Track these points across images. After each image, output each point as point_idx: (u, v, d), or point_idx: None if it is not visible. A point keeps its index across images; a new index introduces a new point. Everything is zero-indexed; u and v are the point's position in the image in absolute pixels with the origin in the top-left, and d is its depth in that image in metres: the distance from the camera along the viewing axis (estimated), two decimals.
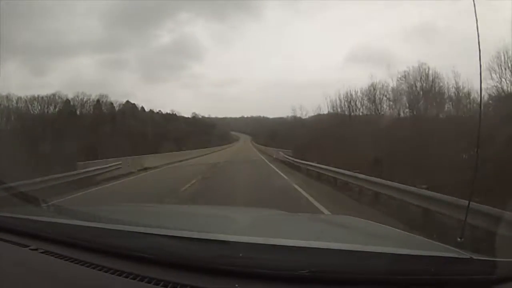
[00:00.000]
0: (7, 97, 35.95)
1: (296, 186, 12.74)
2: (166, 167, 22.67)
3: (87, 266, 1.19)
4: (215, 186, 12.90)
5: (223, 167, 22.24)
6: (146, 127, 50.48)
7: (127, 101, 58.17)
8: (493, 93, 18.14)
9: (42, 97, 44.54)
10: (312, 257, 1.09)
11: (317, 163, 15.72)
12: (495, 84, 18.47)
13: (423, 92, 24.28)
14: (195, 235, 1.25)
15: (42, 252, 1.33)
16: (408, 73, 25.08)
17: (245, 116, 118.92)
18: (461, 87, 21.76)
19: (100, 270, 1.15)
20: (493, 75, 18.92)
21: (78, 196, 10.22)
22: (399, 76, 25.71)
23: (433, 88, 23.64)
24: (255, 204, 7.80)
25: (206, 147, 49.10)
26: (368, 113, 29.88)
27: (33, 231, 1.52)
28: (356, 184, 10.27)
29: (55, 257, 1.29)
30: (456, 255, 1.13)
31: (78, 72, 65.32)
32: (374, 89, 30.32)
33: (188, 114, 71.50)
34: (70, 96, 47.99)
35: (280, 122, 59.31)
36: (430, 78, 23.94)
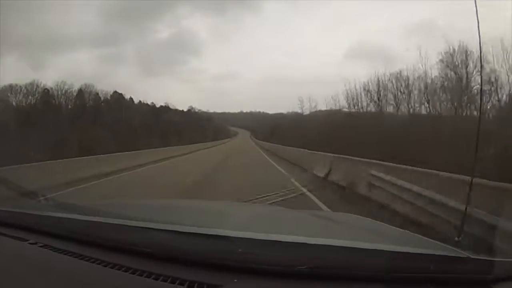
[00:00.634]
0: None
1: None
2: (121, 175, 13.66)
3: (86, 260, 1.16)
4: None
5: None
6: (131, 120, 45.66)
7: (115, 92, 53.15)
8: None
9: (20, 87, 40.10)
10: (310, 253, 1.07)
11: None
12: None
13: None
14: (194, 229, 1.21)
15: (41, 246, 1.29)
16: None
17: (244, 111, 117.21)
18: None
19: (99, 264, 1.12)
20: None
21: None
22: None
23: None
24: None
25: (201, 142, 44.03)
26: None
27: (32, 225, 1.47)
28: None
29: (54, 251, 1.25)
30: (453, 254, 1.14)
31: (73, 65, 64.54)
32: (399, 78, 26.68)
33: (184, 108, 67.88)
34: (50, 85, 43.20)
35: (281, 117, 57.06)
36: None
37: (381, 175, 6.75)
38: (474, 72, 20.87)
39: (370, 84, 30.39)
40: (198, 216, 2.03)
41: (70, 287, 1.06)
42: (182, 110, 65.63)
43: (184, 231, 1.21)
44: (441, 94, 22.61)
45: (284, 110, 63.57)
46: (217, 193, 8.52)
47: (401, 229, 1.73)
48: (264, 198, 6.56)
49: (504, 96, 17.81)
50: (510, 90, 17.66)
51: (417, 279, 1.03)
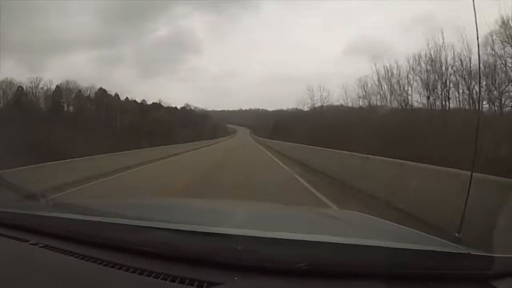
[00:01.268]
0: None
1: None
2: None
3: (87, 260, 1.16)
4: None
5: None
6: (113, 119, 40.33)
7: (100, 88, 47.62)
8: None
9: None
10: (311, 250, 1.08)
11: None
12: None
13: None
14: (194, 228, 1.21)
15: (41, 247, 1.29)
16: None
17: (243, 109, 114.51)
18: None
19: (100, 263, 1.13)
20: None
21: None
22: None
23: None
24: None
25: (193, 141, 37.55)
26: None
27: (32, 225, 1.47)
28: None
29: (55, 251, 1.25)
30: (453, 250, 1.13)
31: (69, 65, 60.23)
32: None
33: (180, 106, 63.12)
34: (25, 82, 37.77)
35: (285, 114, 53.45)
36: None
37: None
38: None
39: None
40: (198, 215, 2.00)
41: (70, 286, 1.05)
42: (175, 108, 60.24)
43: (184, 229, 1.20)
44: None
45: (284, 107, 62.02)
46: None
47: (401, 226, 1.67)
48: None
49: None
50: None
51: (417, 276, 1.03)
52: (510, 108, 18.49)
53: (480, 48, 19.65)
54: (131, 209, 1.90)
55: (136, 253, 1.17)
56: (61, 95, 41.10)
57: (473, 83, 21.21)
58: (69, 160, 11.93)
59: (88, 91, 44.78)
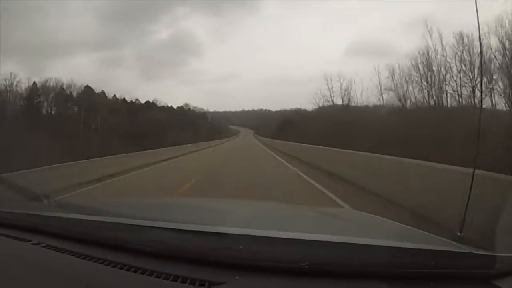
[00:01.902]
0: None
1: None
2: None
3: (89, 260, 1.17)
4: None
5: None
6: (94, 119, 35.39)
7: (87, 86, 42.65)
8: None
9: None
10: (312, 250, 1.08)
11: None
12: None
13: None
14: (195, 227, 1.21)
15: (43, 247, 1.29)
16: None
17: (246, 109, 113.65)
18: None
19: (101, 263, 1.13)
20: None
21: None
22: None
23: None
24: None
25: (188, 144, 31.95)
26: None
27: (34, 225, 1.46)
28: None
29: (57, 251, 1.25)
30: (455, 249, 1.13)
31: (68, 67, 59.45)
32: None
33: (178, 105, 59.02)
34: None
35: (287, 114, 51.69)
36: None
37: None
38: None
39: None
40: (199, 214, 1.98)
41: (72, 286, 1.06)
42: (171, 107, 55.16)
43: (185, 229, 1.20)
44: None
45: (287, 107, 60.29)
46: None
47: (403, 224, 1.65)
48: None
49: None
50: None
51: (419, 275, 1.03)
52: None
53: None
54: (133, 209, 1.91)
55: (138, 253, 1.16)
56: (38, 94, 36.36)
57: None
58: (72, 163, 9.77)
59: (71, 89, 40.07)
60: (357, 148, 12.19)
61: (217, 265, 1.06)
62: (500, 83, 19.10)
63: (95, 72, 67.49)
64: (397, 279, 1.01)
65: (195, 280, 0.99)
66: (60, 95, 38.42)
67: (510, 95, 18.34)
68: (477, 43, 19.06)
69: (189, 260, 1.09)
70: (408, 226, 1.59)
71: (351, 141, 17.81)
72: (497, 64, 19.08)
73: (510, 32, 18.45)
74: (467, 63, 21.93)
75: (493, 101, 19.66)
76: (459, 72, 22.39)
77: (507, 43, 18.80)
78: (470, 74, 21.58)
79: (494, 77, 19.21)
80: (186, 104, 63.10)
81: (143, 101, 49.91)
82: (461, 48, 22.42)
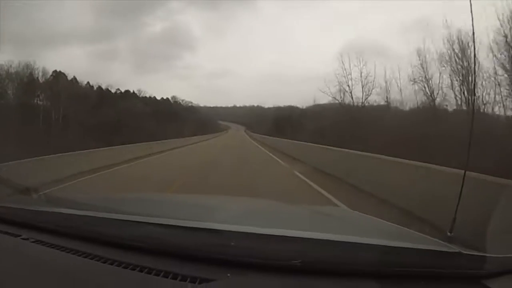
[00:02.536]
0: None
1: None
2: None
3: (79, 255, 1.16)
4: None
5: None
6: (53, 108, 29.90)
7: (56, 71, 36.98)
8: None
9: None
10: (304, 248, 1.08)
11: None
12: None
13: None
14: (187, 223, 1.21)
15: (33, 242, 1.28)
16: None
17: (238, 105, 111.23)
18: None
19: (92, 259, 1.13)
20: None
21: None
22: None
23: None
24: None
25: (166, 140, 26.74)
26: None
27: (24, 220, 1.45)
28: None
29: (47, 246, 1.24)
30: (445, 249, 1.13)
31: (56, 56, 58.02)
32: None
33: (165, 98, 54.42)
34: None
35: (284, 110, 48.91)
36: None
37: None
38: None
39: None
40: (191, 210, 1.96)
41: (63, 282, 1.05)
42: (153, 98, 49.68)
43: (177, 225, 1.19)
44: None
45: (280, 104, 60.18)
46: None
47: (394, 224, 1.66)
48: None
49: None
50: None
51: (409, 274, 1.03)
52: None
53: None
54: (124, 204, 1.89)
55: (129, 248, 1.15)
56: None
57: None
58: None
59: (40, 75, 34.42)
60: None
61: (209, 261, 1.05)
62: None
63: (84, 64, 66.03)
64: (388, 277, 1.01)
65: (186, 277, 0.99)
66: (23, 82, 32.75)
67: None
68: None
69: (181, 256, 1.08)
70: (400, 226, 1.59)
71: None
72: None
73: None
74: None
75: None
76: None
77: None
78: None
79: None
80: (173, 97, 58.10)
81: (124, 91, 44.45)
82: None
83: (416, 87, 23.20)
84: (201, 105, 76.60)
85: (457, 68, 20.81)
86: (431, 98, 21.87)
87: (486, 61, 17.95)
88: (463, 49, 20.80)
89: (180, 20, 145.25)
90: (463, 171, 2.20)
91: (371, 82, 27.04)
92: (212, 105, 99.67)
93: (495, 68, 17.75)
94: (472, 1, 1.93)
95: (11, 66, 31.76)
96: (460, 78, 20.78)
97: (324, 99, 32.29)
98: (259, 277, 1.01)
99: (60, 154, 11.12)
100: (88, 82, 41.01)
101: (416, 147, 12.25)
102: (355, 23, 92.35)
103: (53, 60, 71.51)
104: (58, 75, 37.15)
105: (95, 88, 41.27)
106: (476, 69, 18.94)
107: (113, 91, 43.09)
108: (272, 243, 1.08)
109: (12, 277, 1.05)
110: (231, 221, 1.51)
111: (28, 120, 24.83)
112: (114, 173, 11.20)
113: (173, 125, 40.30)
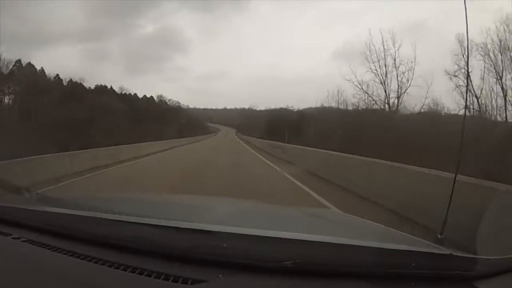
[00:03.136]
0: None
1: None
2: None
3: (71, 255, 1.16)
4: None
5: None
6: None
7: (19, 60, 32.03)
8: None
9: None
10: (296, 249, 1.07)
11: None
12: None
13: None
14: (179, 224, 1.20)
15: (24, 241, 1.27)
16: None
17: (228, 107, 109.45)
18: None
19: (83, 259, 1.12)
20: None
21: None
22: None
23: None
24: None
25: (140, 142, 21.40)
26: None
27: (16, 219, 1.44)
28: None
29: (38, 245, 1.24)
30: (436, 251, 1.14)
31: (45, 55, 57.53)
32: None
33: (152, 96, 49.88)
34: None
35: (281, 113, 45.05)
36: None
37: None
38: None
39: None
40: (183, 211, 1.94)
41: (53, 282, 1.04)
42: (134, 96, 44.67)
43: (169, 225, 1.19)
44: None
45: (272, 106, 58.31)
46: None
47: (385, 226, 1.67)
48: None
49: None
50: None
51: (401, 275, 1.04)
52: None
53: None
54: (116, 204, 1.87)
55: (120, 249, 1.15)
56: None
57: None
58: None
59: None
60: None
61: (200, 262, 1.05)
62: None
63: (72, 64, 66.12)
64: (380, 278, 1.02)
65: (178, 277, 0.99)
66: None
67: None
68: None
69: (173, 257, 1.08)
70: (391, 228, 1.60)
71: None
72: None
73: None
74: None
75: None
76: None
77: None
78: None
79: None
80: (160, 96, 53.23)
81: (100, 85, 39.38)
82: None
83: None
84: (191, 106, 74.13)
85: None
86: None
87: None
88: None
89: (171, 22, 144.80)
90: (453, 174, 2.21)
91: (409, 70, 22.35)
92: (202, 107, 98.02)
93: None
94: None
95: None
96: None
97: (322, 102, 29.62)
98: (250, 278, 1.01)
99: None
100: (57, 75, 35.98)
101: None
102: (349, 24, 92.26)
103: (40, 58, 69.59)
104: (21, 65, 32.23)
105: (65, 82, 36.29)
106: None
107: (91, 86, 38.19)
108: (264, 245, 1.08)
109: (2, 276, 1.05)
110: (223, 222, 1.48)
111: None
112: None
113: (154, 126, 35.40)
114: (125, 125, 31.12)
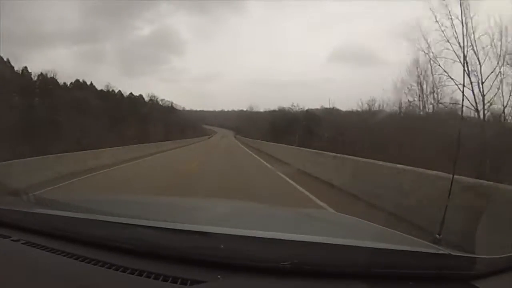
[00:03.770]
0: None
1: None
2: None
3: (69, 257, 1.16)
4: None
5: None
6: None
7: None
8: None
9: None
10: (293, 250, 1.08)
11: None
12: None
13: None
14: (177, 226, 1.21)
15: (23, 243, 1.27)
16: None
17: (226, 109, 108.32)
18: None
19: (82, 260, 1.12)
20: None
21: None
22: None
23: None
24: None
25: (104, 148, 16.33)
26: None
27: (14, 221, 1.44)
28: None
29: (38, 248, 1.24)
30: (434, 251, 1.15)
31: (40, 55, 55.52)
32: None
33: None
34: None
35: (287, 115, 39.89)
36: None
37: None
38: None
39: None
40: (181, 212, 1.94)
41: (53, 284, 1.04)
42: (118, 93, 39.54)
43: (167, 227, 1.20)
44: None
45: (272, 107, 54.22)
46: None
47: (382, 226, 1.67)
48: None
49: None
50: None
51: (398, 276, 1.04)
52: None
53: None
54: (114, 206, 1.86)
55: (119, 251, 1.15)
56: None
57: None
58: None
59: None
60: None
61: (199, 264, 1.05)
62: None
63: (67, 65, 66.56)
64: (377, 279, 1.01)
65: (177, 279, 0.99)
66: None
67: None
68: None
69: (171, 259, 1.08)
70: (387, 228, 1.60)
71: None
72: None
73: None
74: None
75: None
76: None
77: None
78: None
79: None
80: (150, 95, 48.41)
81: (74, 81, 34.22)
82: None
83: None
84: (187, 108, 72.55)
85: None
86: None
87: None
88: None
89: (167, 23, 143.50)
90: (450, 175, 2.18)
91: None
92: (198, 109, 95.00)
93: None
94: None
95: None
96: None
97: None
98: (249, 279, 1.01)
99: None
100: (25, 67, 30.83)
101: None
102: (347, 25, 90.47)
103: (36, 59, 68.63)
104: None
105: (34, 76, 31.15)
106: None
107: (67, 82, 33.08)
108: (262, 245, 1.08)
109: (2, 278, 1.05)
110: (222, 223, 1.50)
111: None
112: None
113: (137, 127, 30.32)
114: (99, 125, 26.02)
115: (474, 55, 17.31)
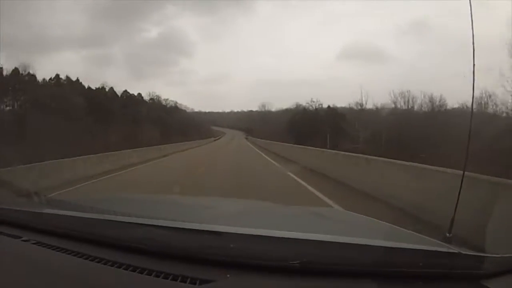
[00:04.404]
0: None
1: None
2: None
3: (79, 257, 1.17)
4: None
5: None
6: None
7: None
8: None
9: None
10: (302, 249, 1.08)
11: None
12: None
13: None
14: (187, 225, 1.21)
15: (34, 243, 1.29)
16: None
17: (235, 110, 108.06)
18: None
19: (92, 260, 1.14)
20: None
21: None
22: None
23: None
24: None
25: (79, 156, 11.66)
26: None
27: (25, 222, 1.45)
28: None
29: (47, 248, 1.25)
30: (444, 250, 1.14)
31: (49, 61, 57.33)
32: None
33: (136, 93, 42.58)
34: None
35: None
36: None
37: None
38: None
39: None
40: (191, 212, 1.93)
41: (63, 284, 1.05)
42: (111, 90, 34.63)
43: (176, 226, 1.19)
44: None
45: (284, 106, 53.45)
46: None
47: (392, 225, 1.62)
48: None
49: None
50: None
51: (408, 274, 1.03)
52: None
53: None
54: (123, 206, 1.86)
55: (129, 250, 1.15)
56: None
57: None
58: None
59: None
60: None
61: (208, 263, 1.06)
62: None
63: (76, 68, 67.42)
64: (386, 278, 1.01)
65: (186, 278, 1.00)
66: None
67: None
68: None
69: (180, 258, 1.09)
70: (397, 226, 1.58)
71: None
72: None
73: None
74: None
75: None
76: None
77: None
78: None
79: None
80: (152, 94, 44.07)
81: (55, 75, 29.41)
82: None
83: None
84: (196, 110, 71.69)
85: None
86: None
87: None
88: None
89: (175, 25, 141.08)
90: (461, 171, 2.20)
91: None
92: (207, 110, 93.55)
93: None
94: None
95: None
96: None
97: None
98: (258, 278, 1.02)
99: None
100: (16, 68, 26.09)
101: None
102: (356, 24, 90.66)
103: (45, 62, 69.96)
104: None
105: (6, 70, 26.36)
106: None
107: (46, 78, 28.32)
108: (270, 244, 1.09)
109: (13, 278, 1.06)
110: (230, 222, 1.48)
111: None
112: None
113: (126, 130, 25.31)
114: (80, 127, 21.03)
115: None
